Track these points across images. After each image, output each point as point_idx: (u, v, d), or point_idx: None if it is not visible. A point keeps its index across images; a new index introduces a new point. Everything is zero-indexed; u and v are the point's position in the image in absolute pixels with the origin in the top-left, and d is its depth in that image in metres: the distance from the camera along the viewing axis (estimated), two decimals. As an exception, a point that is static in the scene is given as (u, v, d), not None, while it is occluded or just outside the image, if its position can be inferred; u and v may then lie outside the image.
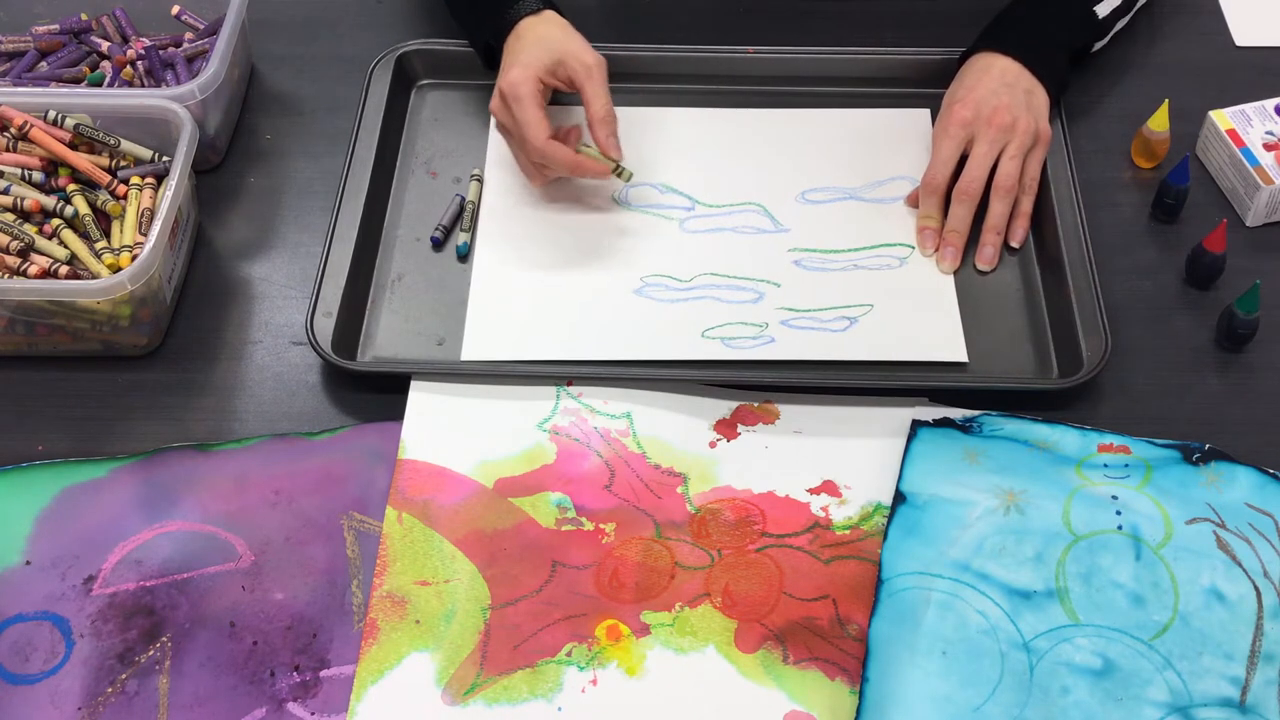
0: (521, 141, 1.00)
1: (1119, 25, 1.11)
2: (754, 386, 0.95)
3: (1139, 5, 1.13)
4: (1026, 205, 1.02)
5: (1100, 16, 1.08)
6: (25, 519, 0.88)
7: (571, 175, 1.02)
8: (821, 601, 0.85)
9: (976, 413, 0.93)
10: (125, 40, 1.14)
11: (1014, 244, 1.02)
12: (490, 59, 1.07)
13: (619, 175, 1.01)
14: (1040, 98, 1.04)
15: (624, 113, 1.11)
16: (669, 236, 1.04)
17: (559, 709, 0.81)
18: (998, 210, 1.01)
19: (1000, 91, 1.02)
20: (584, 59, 1.00)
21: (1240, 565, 0.85)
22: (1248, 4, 1.21)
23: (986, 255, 1.01)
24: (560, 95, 1.05)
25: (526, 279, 1.01)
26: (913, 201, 1.05)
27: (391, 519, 0.88)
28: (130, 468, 0.91)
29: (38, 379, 0.97)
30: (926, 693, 0.80)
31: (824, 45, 1.15)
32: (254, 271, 1.04)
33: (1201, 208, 1.06)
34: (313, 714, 0.81)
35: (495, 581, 0.86)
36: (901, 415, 0.93)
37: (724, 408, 0.94)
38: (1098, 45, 1.11)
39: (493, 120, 1.05)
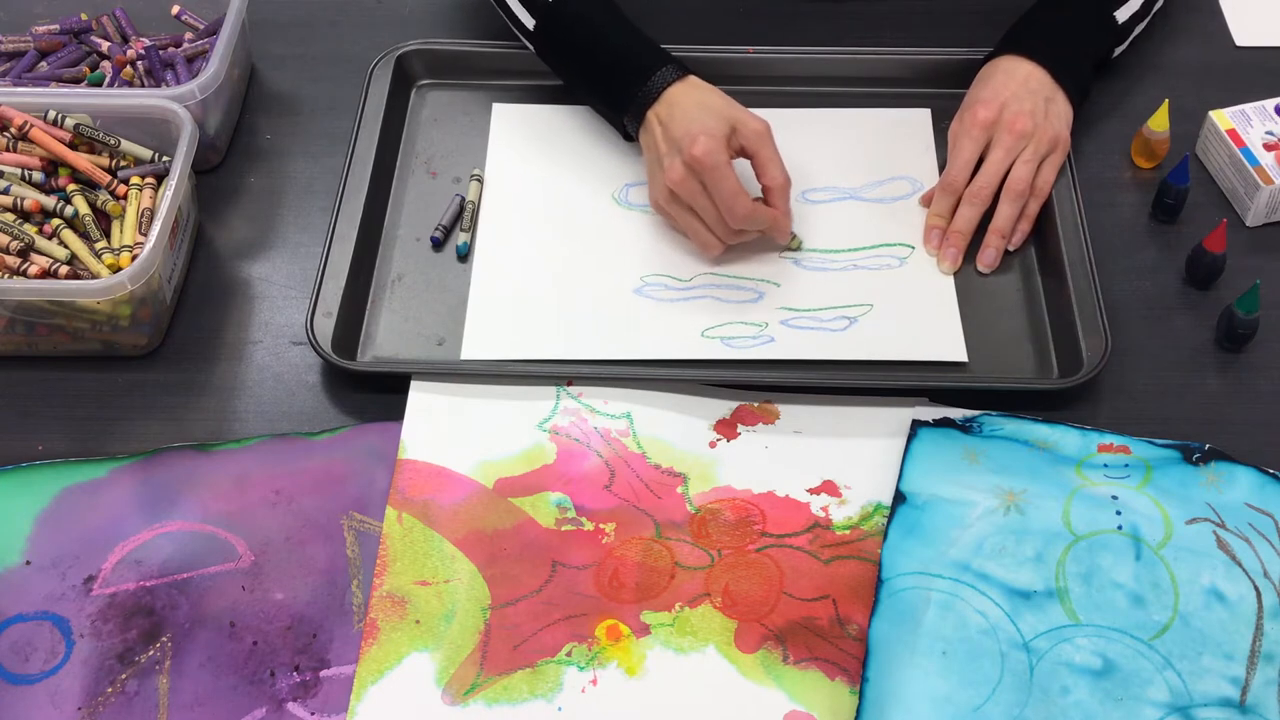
0: (728, 211, 0.96)
1: (1137, 30, 1.11)
2: (754, 386, 0.95)
3: (1156, 9, 1.13)
4: (1033, 209, 1.02)
5: (1120, 21, 1.08)
6: (25, 519, 0.88)
7: (769, 234, 1.00)
8: (821, 601, 0.85)
9: (976, 413, 0.93)
10: (125, 40, 1.14)
11: (1011, 246, 1.02)
12: (621, 129, 1.06)
13: (790, 243, 1.02)
14: (1062, 106, 1.04)
15: (624, 113, 1.12)
16: (669, 236, 1.04)
17: (559, 709, 0.81)
18: (1005, 213, 1.01)
19: (1023, 97, 1.02)
20: (753, 125, 0.98)
21: (1240, 565, 0.85)
22: (1248, 4, 1.21)
23: (988, 257, 1.01)
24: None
25: (526, 279, 1.01)
26: (926, 201, 1.05)
27: (391, 519, 0.88)
28: (130, 468, 0.91)
29: (38, 379, 0.97)
30: (926, 693, 0.80)
31: (824, 45, 1.15)
32: (254, 271, 1.04)
33: (1201, 208, 1.06)
34: (313, 714, 0.81)
35: (495, 581, 0.86)
36: (901, 415, 0.93)
37: (724, 408, 0.94)
38: (1117, 51, 1.11)
39: (667, 196, 0.99)
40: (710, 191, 0.96)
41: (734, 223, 0.97)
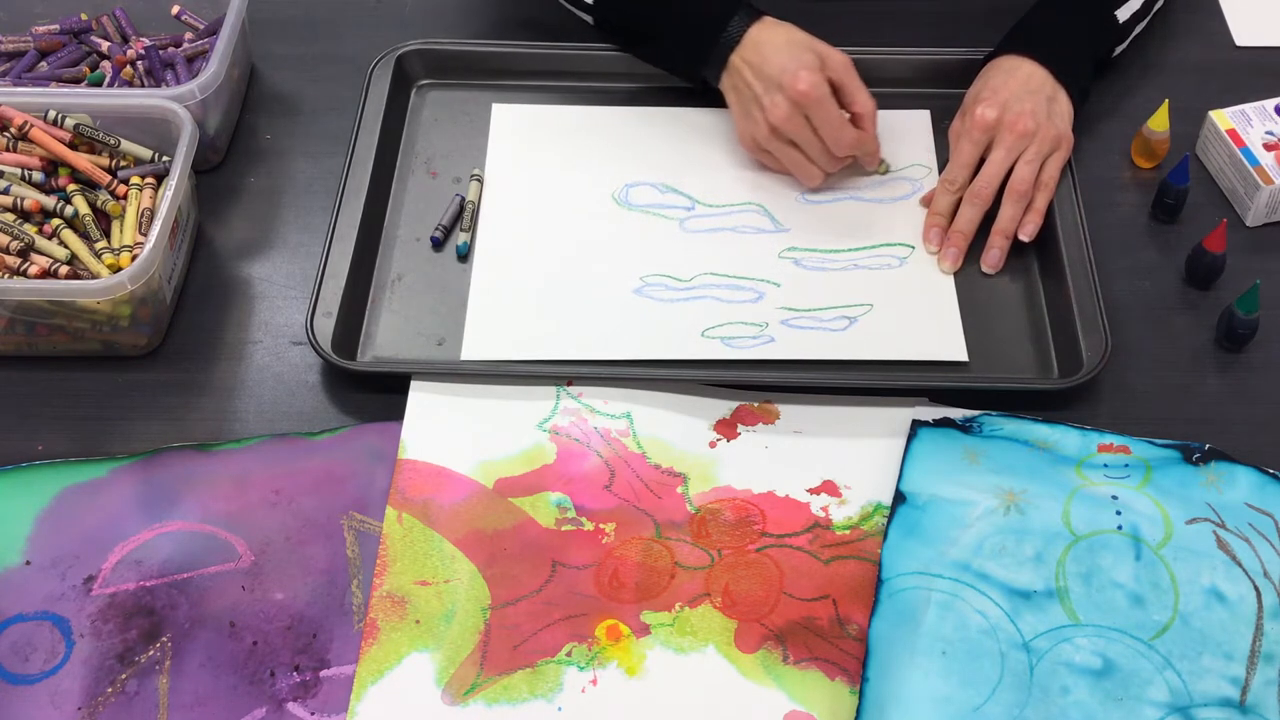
0: (834, 140, 1.01)
1: (1138, 29, 1.11)
2: (754, 386, 0.95)
3: (1156, 8, 1.13)
4: (1041, 202, 1.02)
5: (1121, 21, 1.08)
6: (25, 519, 0.88)
7: (861, 159, 1.05)
8: (821, 601, 0.85)
9: (976, 413, 0.93)
10: (125, 40, 1.14)
11: (1023, 238, 1.01)
12: (698, 81, 1.08)
13: (879, 167, 1.07)
14: (1063, 104, 1.04)
15: (625, 113, 1.12)
16: (669, 236, 1.04)
17: (559, 709, 0.81)
18: (1008, 214, 1.01)
19: (1024, 97, 1.02)
20: (838, 58, 1.02)
21: (1240, 565, 0.85)
22: (1248, 4, 1.21)
23: (993, 258, 1.01)
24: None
25: (526, 279, 1.01)
26: (926, 201, 1.05)
27: (391, 519, 0.88)
28: (130, 468, 0.91)
29: (38, 379, 0.97)
30: (926, 693, 0.80)
31: (824, 45, 1.15)
32: (254, 271, 1.04)
33: (1201, 208, 1.06)
34: (313, 714, 0.81)
35: (495, 581, 0.86)
36: (901, 415, 0.93)
37: (724, 408, 0.94)
38: (1118, 50, 1.11)
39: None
40: (816, 124, 1.00)
41: (840, 150, 1.02)
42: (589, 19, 1.10)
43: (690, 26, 1.04)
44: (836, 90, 1.02)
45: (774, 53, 1.00)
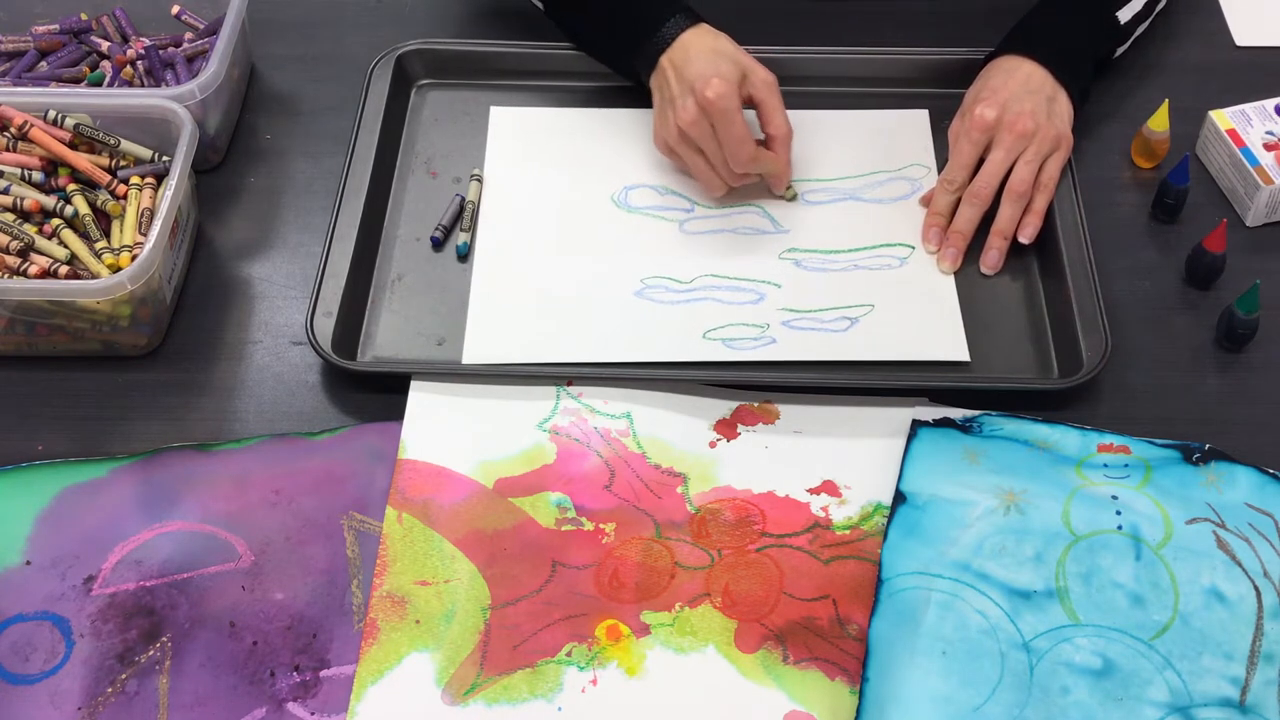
0: (732, 154, 1.00)
1: (1139, 30, 1.11)
2: (754, 386, 0.95)
3: (1158, 9, 1.13)
4: (1040, 204, 1.01)
5: (1122, 22, 1.08)
6: (25, 519, 0.88)
7: (767, 180, 1.05)
8: (821, 601, 0.85)
9: (976, 413, 0.93)
10: (125, 40, 1.14)
11: (1023, 239, 1.01)
12: (634, 77, 1.08)
13: (785, 192, 1.06)
14: (1063, 104, 1.04)
15: (625, 114, 1.12)
16: (669, 238, 1.04)
17: (559, 709, 0.81)
18: (1007, 214, 1.01)
19: (1024, 97, 1.02)
20: (761, 74, 1.02)
21: (1240, 565, 0.85)
22: (1248, 4, 1.21)
23: (991, 259, 1.01)
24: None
25: (526, 280, 1.01)
26: (926, 201, 1.05)
27: (391, 519, 0.88)
28: (130, 468, 0.91)
29: (38, 379, 0.97)
30: (926, 693, 0.80)
31: (824, 45, 1.15)
32: (254, 271, 1.04)
33: (1201, 208, 1.06)
34: (313, 714, 0.81)
35: (495, 581, 0.86)
36: (901, 415, 0.93)
37: (724, 408, 0.94)
38: (1119, 51, 1.11)
39: (673, 137, 1.02)
40: (719, 134, 1.00)
41: (738, 166, 1.01)
42: (540, 5, 1.11)
43: (629, 24, 1.05)
44: (757, 108, 1.02)
45: (697, 57, 1.00)
